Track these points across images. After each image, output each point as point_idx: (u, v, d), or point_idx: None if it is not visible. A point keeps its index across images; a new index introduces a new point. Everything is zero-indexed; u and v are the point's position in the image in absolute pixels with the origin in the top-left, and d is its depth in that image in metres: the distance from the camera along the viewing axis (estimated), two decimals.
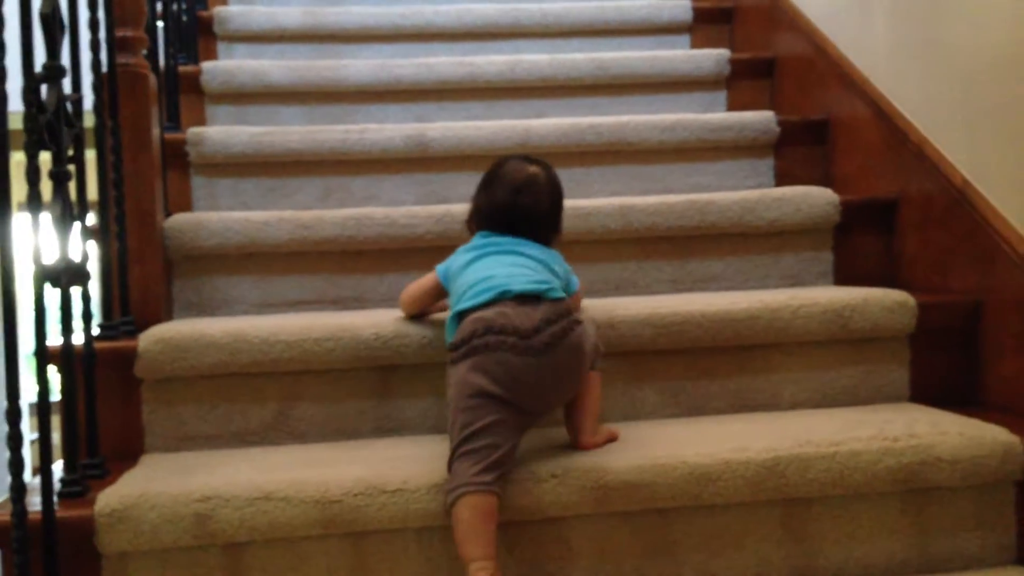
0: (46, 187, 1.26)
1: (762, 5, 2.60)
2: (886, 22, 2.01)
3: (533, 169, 1.50)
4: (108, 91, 1.63)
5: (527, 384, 1.30)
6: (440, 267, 1.51)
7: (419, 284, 1.56)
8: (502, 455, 1.26)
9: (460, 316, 1.37)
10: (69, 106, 1.35)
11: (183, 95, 2.30)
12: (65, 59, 1.33)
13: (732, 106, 2.51)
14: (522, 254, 1.44)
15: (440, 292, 1.52)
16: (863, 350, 1.66)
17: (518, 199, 1.47)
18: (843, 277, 1.95)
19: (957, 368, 1.69)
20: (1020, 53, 1.58)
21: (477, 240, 1.49)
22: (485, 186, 1.52)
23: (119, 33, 1.67)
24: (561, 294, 1.40)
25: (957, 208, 1.73)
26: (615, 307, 1.62)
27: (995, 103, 1.65)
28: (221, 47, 2.66)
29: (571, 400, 1.41)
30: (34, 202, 1.19)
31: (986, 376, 1.66)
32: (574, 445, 1.42)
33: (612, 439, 1.46)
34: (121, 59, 1.68)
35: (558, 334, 1.33)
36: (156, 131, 1.76)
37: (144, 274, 1.70)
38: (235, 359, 1.51)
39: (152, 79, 1.74)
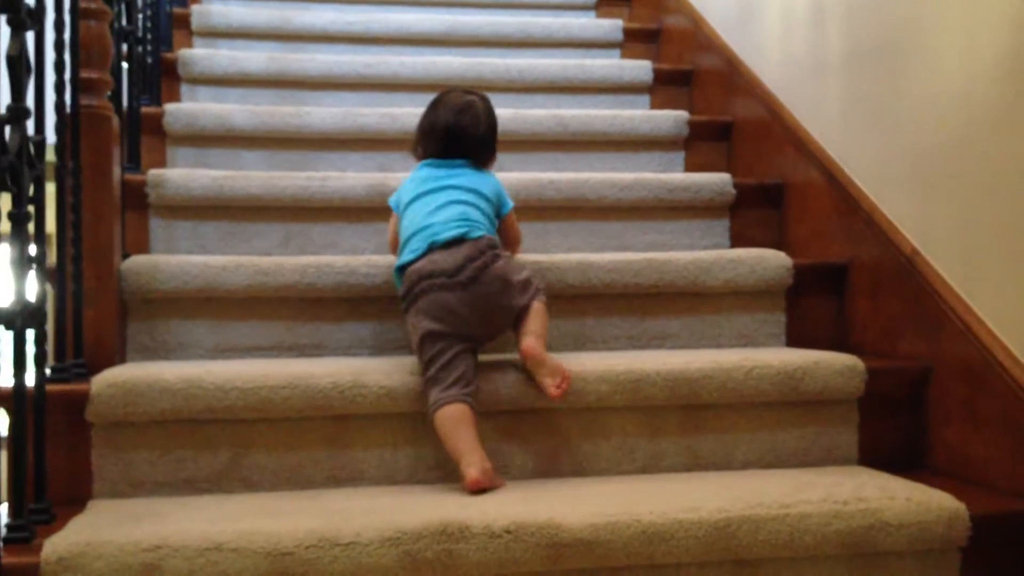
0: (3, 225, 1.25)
1: (720, 69, 2.67)
2: (839, 91, 2.08)
3: (472, 96, 1.77)
4: (71, 132, 1.63)
5: (461, 315, 1.56)
6: (392, 201, 1.76)
7: (390, 228, 1.79)
8: (459, 375, 1.52)
9: (401, 270, 1.63)
10: (31, 147, 1.34)
11: (145, 136, 2.29)
12: (29, 99, 1.32)
13: (690, 167, 2.56)
14: (456, 187, 1.67)
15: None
16: (814, 412, 1.69)
17: (459, 119, 1.73)
18: (795, 339, 1.98)
19: (905, 433, 1.72)
20: (969, 131, 1.64)
21: (420, 172, 1.73)
22: (430, 111, 1.76)
23: (84, 75, 1.67)
24: (482, 232, 1.62)
25: (906, 276, 1.78)
26: (569, 363, 1.63)
27: (943, 176, 1.71)
28: (184, 89, 2.66)
29: (516, 325, 1.60)
30: None
31: (933, 441, 1.70)
32: (521, 355, 1.57)
33: (566, 379, 1.55)
34: (85, 101, 1.67)
35: (479, 267, 1.58)
36: (117, 172, 1.75)
37: (99, 316, 1.68)
38: (189, 405, 1.50)
39: (115, 121, 1.74)
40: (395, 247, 1.74)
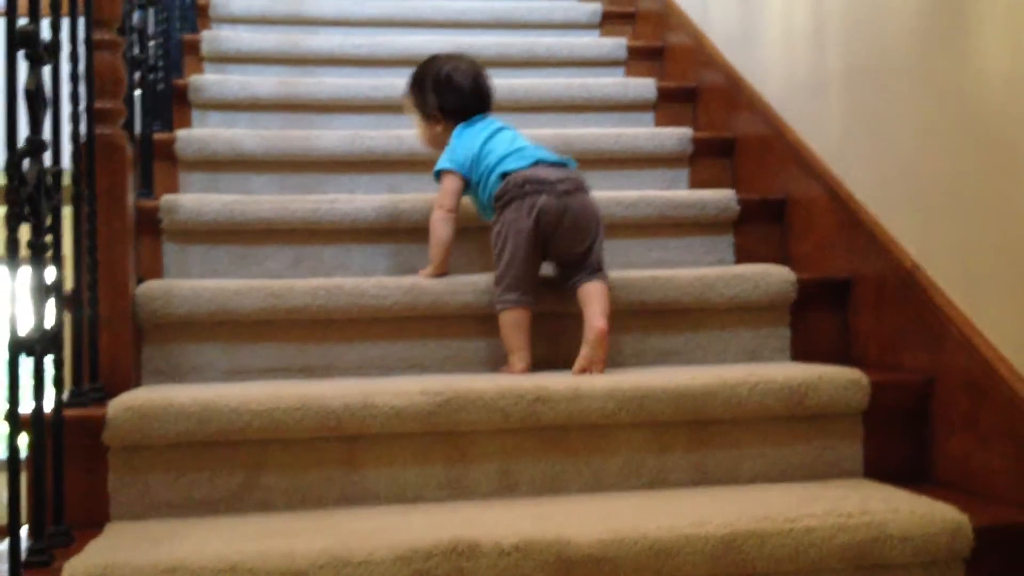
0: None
1: (723, 86, 2.70)
2: (839, 109, 2.11)
3: (469, 58, 2.07)
4: (86, 161, 1.67)
5: (552, 216, 1.84)
6: (449, 163, 1.97)
7: (449, 191, 1.97)
8: (527, 281, 1.84)
9: (504, 175, 1.89)
10: (49, 178, 1.38)
11: (157, 162, 2.33)
12: (46, 130, 1.36)
13: (694, 183, 2.59)
14: (510, 128, 2.02)
15: (463, 185, 1.98)
16: (819, 426, 1.71)
17: (479, 82, 2.04)
18: (800, 353, 2.01)
19: (909, 445, 1.74)
20: (965, 143, 1.66)
21: (469, 129, 2.00)
22: (442, 85, 2.03)
23: (99, 105, 1.72)
24: (576, 167, 1.97)
25: (907, 289, 1.80)
26: (579, 381, 1.66)
27: (943, 192, 1.74)
28: (195, 114, 2.71)
29: (585, 299, 1.83)
30: (12, 273, 1.22)
31: (936, 453, 1.72)
32: (592, 328, 1.78)
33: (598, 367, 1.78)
34: (100, 130, 1.72)
35: (578, 185, 1.90)
36: (131, 199, 1.79)
37: (114, 341, 1.72)
38: (203, 428, 1.53)
39: (129, 149, 1.78)
40: (452, 208, 1.97)
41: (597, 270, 1.85)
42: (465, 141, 1.98)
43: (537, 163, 1.90)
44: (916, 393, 1.74)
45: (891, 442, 1.74)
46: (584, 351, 1.78)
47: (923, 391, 1.74)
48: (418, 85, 2.08)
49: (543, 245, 1.86)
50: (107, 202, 1.71)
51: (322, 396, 1.57)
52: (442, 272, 1.95)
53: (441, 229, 1.96)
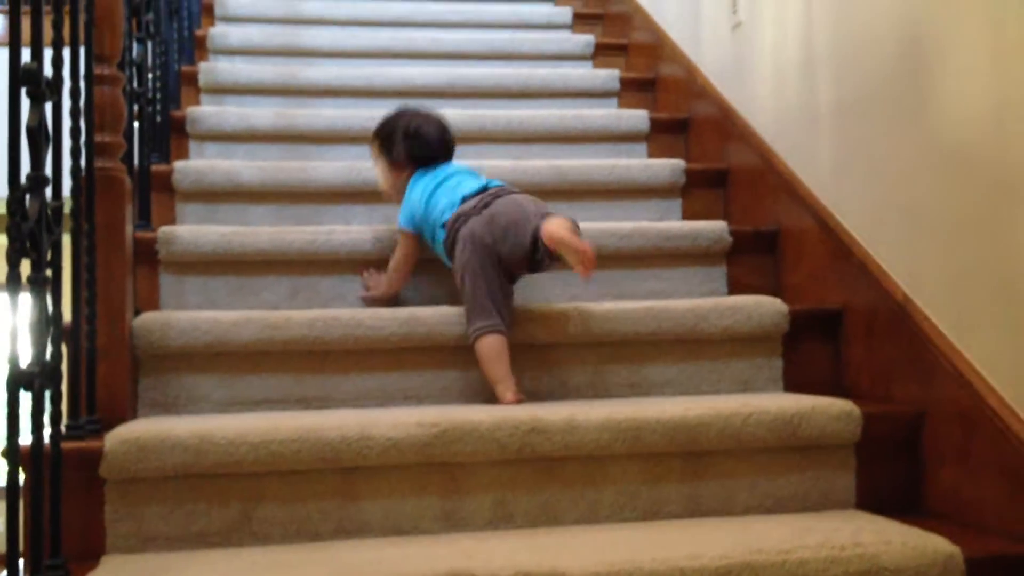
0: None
1: (715, 117, 2.73)
2: (830, 141, 2.14)
3: (435, 113, 2.22)
4: (86, 195, 1.68)
5: (483, 236, 1.90)
6: (406, 222, 2.09)
7: (399, 259, 2.10)
8: (495, 306, 1.88)
9: (444, 225, 2.00)
10: (49, 212, 1.39)
11: (155, 193, 2.34)
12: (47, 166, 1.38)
13: (687, 214, 2.62)
14: (455, 173, 2.10)
15: (417, 243, 2.10)
16: (812, 457, 1.73)
17: (444, 136, 2.18)
18: (793, 383, 2.02)
19: (901, 476, 1.76)
20: (954, 177, 1.69)
21: (422, 180, 2.11)
22: (411, 136, 2.15)
23: (99, 139, 1.73)
24: (496, 182, 2.06)
25: (898, 322, 1.82)
26: (575, 412, 1.67)
27: (932, 223, 1.76)
28: (193, 146, 2.73)
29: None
30: (14, 305, 1.23)
31: (929, 485, 1.73)
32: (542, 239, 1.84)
33: (589, 258, 1.80)
34: (99, 163, 1.73)
35: (492, 195, 1.98)
36: (129, 231, 1.81)
37: (112, 372, 1.72)
38: (200, 460, 1.54)
39: (127, 182, 1.80)
40: (406, 271, 2.11)
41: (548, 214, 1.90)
42: (415, 196, 2.09)
43: (463, 200, 2.00)
44: (907, 424, 1.76)
45: (883, 473, 1.75)
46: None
47: (914, 423, 1.75)
48: (387, 135, 2.17)
49: (498, 263, 1.91)
50: (106, 235, 1.73)
51: (319, 428, 1.58)
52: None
53: (396, 273, 2.11)
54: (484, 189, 2.02)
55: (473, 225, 1.93)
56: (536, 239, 1.87)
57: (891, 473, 1.75)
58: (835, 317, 2.04)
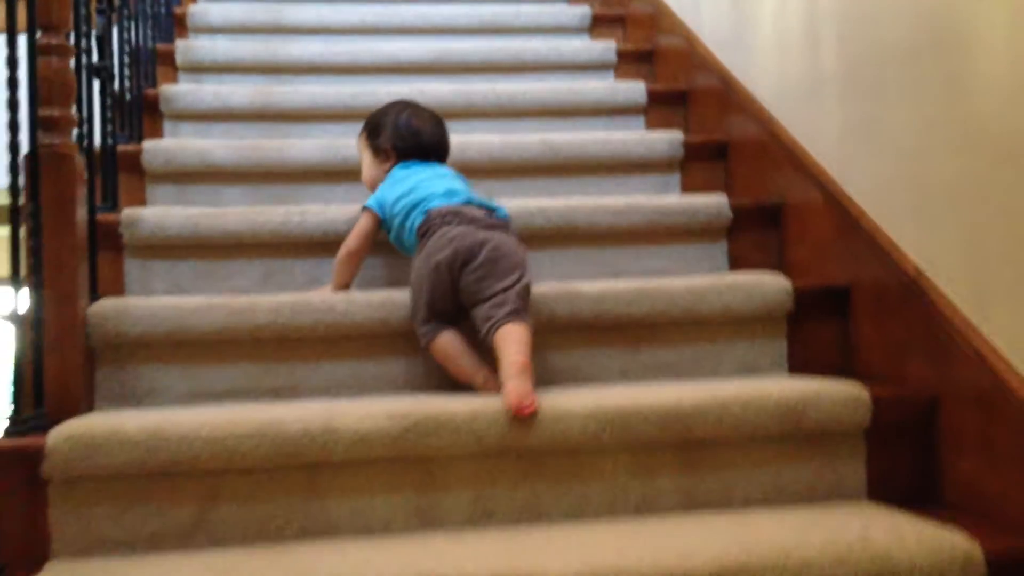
0: None
1: (716, 88, 2.59)
2: (836, 110, 1.99)
3: (430, 111, 2.03)
4: (29, 174, 1.56)
5: (469, 246, 1.69)
6: (374, 203, 1.90)
7: (360, 231, 1.90)
8: (448, 312, 1.70)
9: (428, 211, 1.79)
10: None
11: (124, 174, 2.23)
12: None
13: (686, 188, 2.48)
14: (447, 175, 1.91)
15: (376, 230, 1.91)
16: (818, 446, 1.60)
17: (437, 130, 2.00)
18: (798, 365, 1.89)
19: (915, 464, 1.62)
20: (968, 138, 1.55)
21: (404, 169, 1.93)
22: (402, 125, 1.98)
23: (43, 113, 1.61)
24: (505, 216, 1.85)
25: (910, 298, 1.68)
26: (558, 401, 1.54)
27: (945, 193, 1.62)
28: (167, 125, 2.60)
29: (502, 343, 1.59)
30: None
31: (946, 473, 1.59)
32: (512, 364, 1.55)
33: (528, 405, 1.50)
34: (45, 139, 1.61)
35: (499, 224, 1.77)
36: (82, 213, 1.68)
37: (63, 364, 1.60)
38: (152, 457, 1.42)
39: (78, 160, 1.67)
40: (359, 248, 1.91)
41: (518, 311, 1.63)
42: (397, 177, 1.92)
43: (468, 202, 1.82)
44: (922, 409, 1.62)
45: (896, 461, 1.62)
46: (510, 386, 1.51)
47: (929, 407, 1.62)
48: (376, 122, 2.03)
49: (457, 280, 1.69)
50: (53, 217, 1.60)
51: (280, 422, 1.46)
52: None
53: (341, 269, 1.92)
54: (494, 211, 1.84)
55: (466, 230, 1.73)
56: (506, 290, 1.66)
57: (904, 461, 1.62)
58: (842, 294, 1.90)
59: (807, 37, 2.12)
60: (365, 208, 1.92)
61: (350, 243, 1.91)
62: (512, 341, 1.59)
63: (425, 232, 1.78)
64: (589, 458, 1.55)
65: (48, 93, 1.62)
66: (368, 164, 2.04)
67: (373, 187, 2.01)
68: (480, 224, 1.74)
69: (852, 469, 1.60)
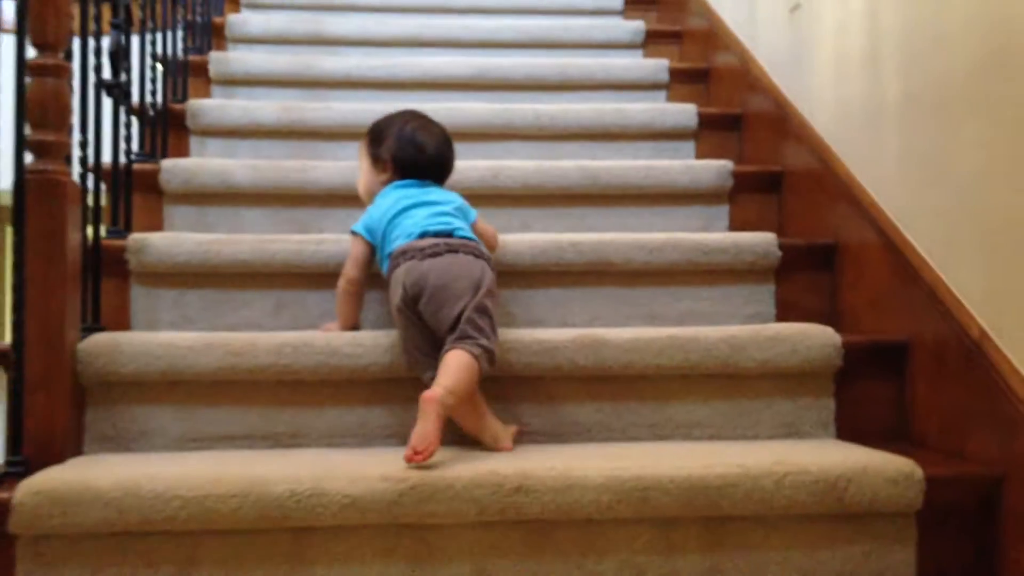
0: None
1: (770, 112, 2.42)
2: (896, 143, 1.82)
3: (440, 127, 1.89)
4: (15, 201, 1.47)
5: (414, 279, 1.61)
6: (362, 228, 1.79)
7: (350, 261, 1.79)
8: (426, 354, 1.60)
9: (390, 255, 1.70)
10: None
11: (141, 195, 2.15)
12: None
13: (735, 222, 2.31)
14: (434, 203, 1.76)
15: (370, 251, 1.79)
16: (862, 528, 1.43)
17: (442, 148, 1.86)
18: (847, 428, 1.71)
19: (971, 552, 1.44)
20: None
21: (395, 192, 1.79)
22: (404, 137, 1.84)
23: (35, 137, 1.52)
24: (466, 234, 1.71)
25: (974, 362, 1.50)
26: (571, 466, 1.40)
27: (1016, 244, 1.44)
28: (193, 142, 2.52)
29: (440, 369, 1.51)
30: None
31: (1005, 564, 1.41)
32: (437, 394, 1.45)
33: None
34: (35, 165, 1.52)
35: (447, 247, 1.65)
36: (75, 240, 1.58)
37: (47, 404, 1.50)
38: (123, 517, 1.31)
39: (72, 185, 1.57)
40: (358, 276, 1.79)
41: (465, 338, 1.55)
42: (381, 206, 1.78)
43: (422, 235, 1.69)
44: (983, 490, 1.44)
45: (951, 548, 1.44)
46: (417, 427, 1.43)
47: (991, 488, 1.43)
48: (379, 130, 1.89)
49: (419, 317, 1.62)
50: (41, 246, 1.51)
51: (264, 481, 1.34)
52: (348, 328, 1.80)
53: (342, 304, 1.80)
54: (450, 233, 1.69)
55: (410, 267, 1.63)
56: (456, 318, 1.57)
57: (960, 548, 1.44)
58: (899, 350, 1.72)
59: (867, 60, 1.94)
60: (353, 233, 1.80)
61: (347, 272, 1.80)
62: (443, 371, 1.51)
63: (389, 276, 1.70)
64: (603, 531, 1.40)
65: (41, 116, 1.53)
66: (365, 172, 1.90)
67: (368, 197, 1.87)
68: (424, 254, 1.64)
69: (900, 556, 1.43)
